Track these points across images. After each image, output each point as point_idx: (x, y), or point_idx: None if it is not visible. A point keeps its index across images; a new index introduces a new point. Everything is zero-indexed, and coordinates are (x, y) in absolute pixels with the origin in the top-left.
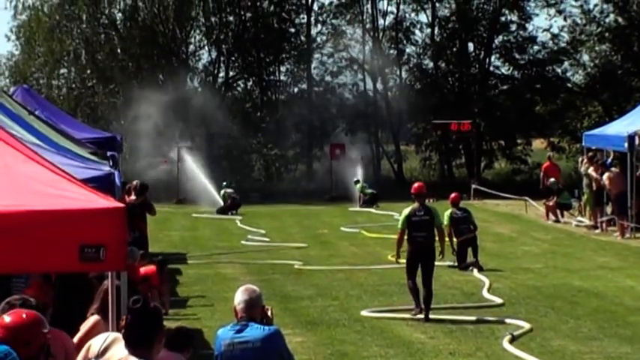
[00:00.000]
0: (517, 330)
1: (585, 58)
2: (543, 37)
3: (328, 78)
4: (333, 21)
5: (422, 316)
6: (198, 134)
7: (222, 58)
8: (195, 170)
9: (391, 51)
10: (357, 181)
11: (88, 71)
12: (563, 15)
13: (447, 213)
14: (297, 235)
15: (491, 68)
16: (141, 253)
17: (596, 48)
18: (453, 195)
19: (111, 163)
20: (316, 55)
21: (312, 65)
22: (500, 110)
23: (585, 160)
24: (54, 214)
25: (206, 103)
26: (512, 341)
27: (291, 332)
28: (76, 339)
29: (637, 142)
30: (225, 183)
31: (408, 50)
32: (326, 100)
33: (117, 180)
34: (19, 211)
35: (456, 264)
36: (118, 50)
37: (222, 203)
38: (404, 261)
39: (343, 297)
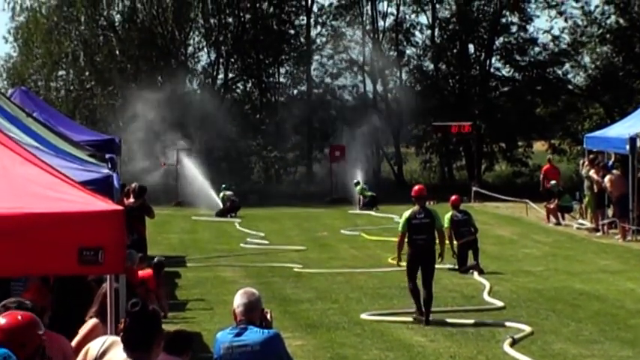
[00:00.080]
0: (518, 333)
1: (586, 59)
2: (544, 38)
3: (328, 80)
4: (333, 22)
5: (423, 318)
6: (197, 136)
7: (221, 60)
8: (194, 173)
9: (391, 52)
10: (357, 183)
11: (87, 73)
12: (564, 16)
13: (448, 215)
14: (297, 237)
15: (492, 70)
16: (139, 256)
17: (598, 49)
18: (453, 197)
19: (109, 166)
20: (316, 57)
21: (312, 67)
22: (501, 112)
23: (586, 163)
24: (52, 216)
25: (205, 105)
26: (513, 344)
27: (291, 335)
28: (74, 342)
29: (638, 144)
30: (224, 185)
31: (408, 52)
32: (326, 102)
33: (115, 182)
34: (17, 213)
35: (457, 267)
36: (117, 52)
37: (221, 206)
38: (405, 264)
39: (343, 300)
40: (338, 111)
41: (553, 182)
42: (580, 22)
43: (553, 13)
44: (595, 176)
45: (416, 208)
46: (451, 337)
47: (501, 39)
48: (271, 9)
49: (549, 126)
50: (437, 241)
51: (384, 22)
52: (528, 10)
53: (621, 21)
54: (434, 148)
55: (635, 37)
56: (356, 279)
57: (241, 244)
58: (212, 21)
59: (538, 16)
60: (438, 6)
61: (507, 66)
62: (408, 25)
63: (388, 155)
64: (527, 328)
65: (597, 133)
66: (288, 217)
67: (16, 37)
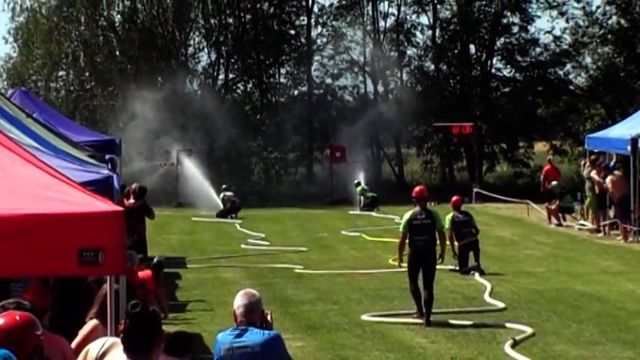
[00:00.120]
0: (519, 334)
1: (588, 60)
2: (545, 39)
3: (329, 80)
4: (334, 23)
5: (421, 320)
6: (198, 137)
7: (221, 60)
8: (194, 173)
9: (392, 53)
10: (358, 184)
11: (87, 74)
12: (566, 17)
13: (449, 216)
14: (298, 238)
15: (493, 70)
16: (139, 257)
17: (599, 50)
18: (454, 198)
19: (109, 166)
20: (316, 58)
21: (313, 67)
22: (502, 113)
23: (588, 164)
24: (52, 217)
25: (205, 106)
26: (514, 346)
27: (292, 337)
28: (74, 344)
29: None
30: (224, 186)
31: (409, 52)
32: (326, 103)
33: (115, 183)
34: (17, 214)
35: (458, 268)
36: (117, 52)
37: (222, 207)
38: (406, 265)
39: (344, 301)
40: (338, 111)
41: (554, 183)
42: (581, 23)
43: (554, 13)
44: (596, 177)
45: (417, 209)
46: (452, 338)
47: (502, 39)
48: (272, 9)
49: (550, 127)
50: (438, 242)
51: (385, 23)
52: (529, 10)
53: (623, 21)
54: (435, 149)
55: (636, 37)
56: (357, 280)
57: (242, 245)
58: (212, 21)
59: (539, 17)
60: (438, 6)
61: (508, 66)
62: (408, 26)
63: (389, 156)
64: (529, 330)
65: (599, 134)
66: (289, 218)
67: (16, 37)
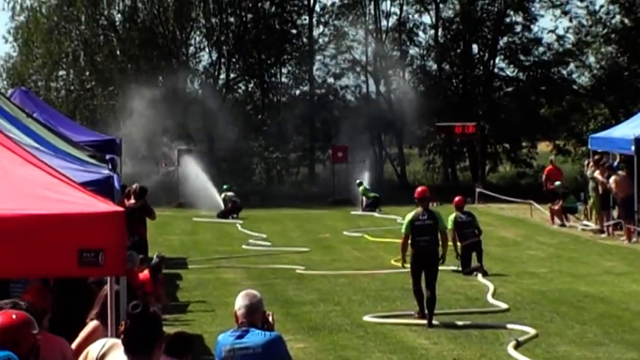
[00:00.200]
0: (522, 336)
1: (591, 59)
2: (548, 38)
3: (330, 80)
4: (336, 22)
5: (424, 321)
6: (199, 137)
7: (222, 60)
8: (195, 173)
9: (394, 52)
10: (360, 183)
11: (87, 73)
12: (569, 16)
13: (451, 217)
14: (299, 239)
15: (496, 70)
16: (140, 258)
17: (602, 49)
18: (457, 199)
19: (110, 166)
20: (318, 57)
21: (314, 67)
22: (505, 112)
23: (591, 164)
24: (52, 218)
25: (206, 106)
26: (517, 347)
27: (293, 338)
28: (74, 345)
29: None
30: (225, 186)
31: (411, 52)
32: (328, 103)
33: (116, 183)
34: (17, 215)
35: (460, 268)
36: (117, 52)
37: (223, 207)
38: (409, 265)
39: (346, 302)
40: (340, 111)
41: (558, 183)
42: (585, 22)
43: (557, 12)
44: (600, 177)
45: (419, 209)
46: (455, 339)
47: (505, 39)
48: (273, 8)
49: (554, 126)
50: (440, 243)
51: (387, 22)
52: (533, 9)
53: (626, 21)
54: (437, 149)
55: None
56: (359, 281)
57: (243, 246)
58: (213, 20)
59: (542, 16)
60: (441, 5)
61: (511, 66)
62: (411, 25)
63: (391, 156)
64: (532, 331)
65: (602, 134)
66: (290, 219)
67: (16, 36)
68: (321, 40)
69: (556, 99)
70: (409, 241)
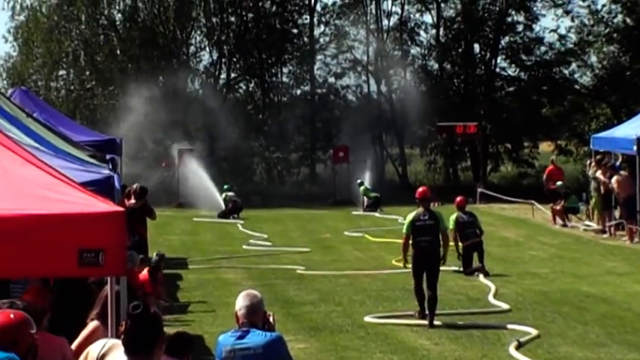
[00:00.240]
0: (524, 336)
1: (593, 59)
2: (550, 38)
3: (331, 80)
4: (337, 22)
5: (425, 321)
6: (199, 137)
7: (223, 60)
8: (196, 173)
9: (395, 52)
10: (361, 183)
11: (87, 73)
12: (571, 15)
13: (453, 217)
14: (300, 239)
15: (498, 70)
16: (140, 258)
17: (604, 49)
18: (458, 199)
19: (110, 166)
20: (319, 57)
21: (315, 67)
22: (507, 112)
23: (593, 164)
24: (52, 218)
25: (207, 105)
26: (518, 347)
27: (294, 338)
28: (74, 345)
29: None
30: (226, 186)
31: (412, 51)
32: (329, 102)
33: (116, 183)
34: (17, 215)
35: (462, 269)
36: (118, 51)
37: (223, 207)
38: (411, 265)
39: (346, 302)
40: (341, 111)
41: (559, 183)
42: (586, 22)
43: (559, 12)
44: (602, 177)
45: (420, 209)
46: (456, 340)
47: (507, 38)
48: (274, 8)
49: (555, 126)
50: (441, 243)
51: (389, 21)
52: (534, 9)
53: (628, 20)
54: (439, 149)
55: None
56: (360, 281)
57: (244, 246)
58: (214, 20)
59: (544, 15)
60: (442, 5)
61: (513, 66)
62: (412, 25)
63: (392, 156)
64: (533, 331)
65: (604, 134)
66: (291, 219)
67: (16, 36)
68: (322, 40)
69: (558, 99)
70: (410, 242)
